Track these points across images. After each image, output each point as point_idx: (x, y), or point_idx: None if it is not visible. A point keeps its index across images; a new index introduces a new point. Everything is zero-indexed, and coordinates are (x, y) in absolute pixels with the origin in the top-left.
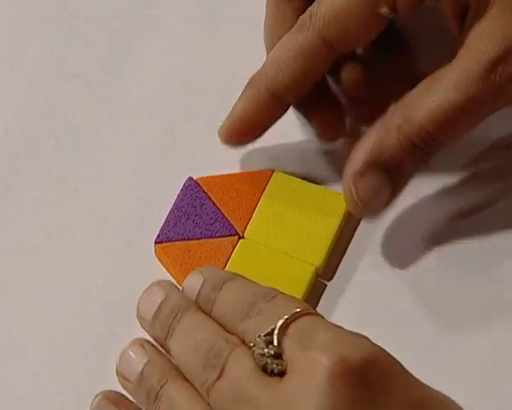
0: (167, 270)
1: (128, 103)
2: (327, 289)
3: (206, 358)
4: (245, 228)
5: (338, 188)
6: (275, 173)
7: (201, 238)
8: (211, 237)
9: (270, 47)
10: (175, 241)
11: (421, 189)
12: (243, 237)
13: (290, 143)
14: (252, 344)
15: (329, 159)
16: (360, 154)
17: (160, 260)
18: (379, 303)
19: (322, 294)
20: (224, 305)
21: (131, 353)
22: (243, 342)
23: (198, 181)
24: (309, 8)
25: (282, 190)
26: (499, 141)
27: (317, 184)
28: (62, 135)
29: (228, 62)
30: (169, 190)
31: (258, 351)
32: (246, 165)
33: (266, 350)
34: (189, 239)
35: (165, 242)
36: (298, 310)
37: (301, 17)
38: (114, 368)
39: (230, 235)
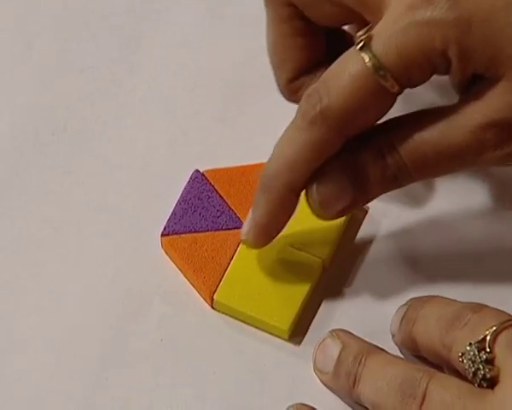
0: (174, 263)
1: (135, 97)
2: (333, 281)
3: (401, 391)
4: None
5: None
6: None
7: (208, 231)
8: (217, 229)
9: (276, 64)
10: (181, 233)
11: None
12: None
13: None
14: (460, 353)
15: None
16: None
17: (166, 252)
18: (385, 295)
19: (328, 286)
20: (427, 320)
21: None
22: (447, 355)
23: (204, 173)
24: (315, 96)
25: None
26: None
27: None
28: (69, 129)
29: (235, 55)
30: (175, 182)
31: (468, 357)
32: (252, 157)
33: (478, 356)
34: (195, 232)
35: (172, 234)
36: (508, 319)
37: (307, 109)
38: (122, 363)
39: (237, 227)
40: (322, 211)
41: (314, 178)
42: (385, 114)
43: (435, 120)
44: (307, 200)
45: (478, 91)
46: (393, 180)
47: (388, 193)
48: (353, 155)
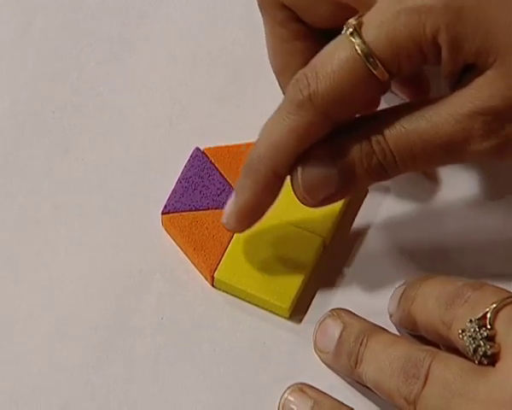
0: (174, 241)
1: (135, 74)
2: (334, 260)
3: (404, 371)
4: None
5: None
6: None
7: (208, 209)
8: (218, 207)
9: (277, 70)
10: (182, 211)
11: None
12: None
13: None
14: (460, 331)
15: None
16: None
17: (166, 230)
18: (385, 274)
19: (329, 265)
20: (426, 298)
21: (291, 398)
22: (447, 333)
23: (205, 151)
24: (303, 81)
25: None
26: None
27: None
28: (70, 107)
29: (236, 33)
30: (176, 160)
31: (469, 334)
32: (253, 135)
33: (479, 333)
34: (195, 210)
35: (172, 212)
36: (509, 296)
37: (295, 93)
38: (122, 341)
39: None
40: (306, 197)
41: (299, 162)
42: (375, 102)
43: (424, 110)
44: (291, 185)
45: (467, 80)
46: (380, 170)
47: None
48: (340, 142)
